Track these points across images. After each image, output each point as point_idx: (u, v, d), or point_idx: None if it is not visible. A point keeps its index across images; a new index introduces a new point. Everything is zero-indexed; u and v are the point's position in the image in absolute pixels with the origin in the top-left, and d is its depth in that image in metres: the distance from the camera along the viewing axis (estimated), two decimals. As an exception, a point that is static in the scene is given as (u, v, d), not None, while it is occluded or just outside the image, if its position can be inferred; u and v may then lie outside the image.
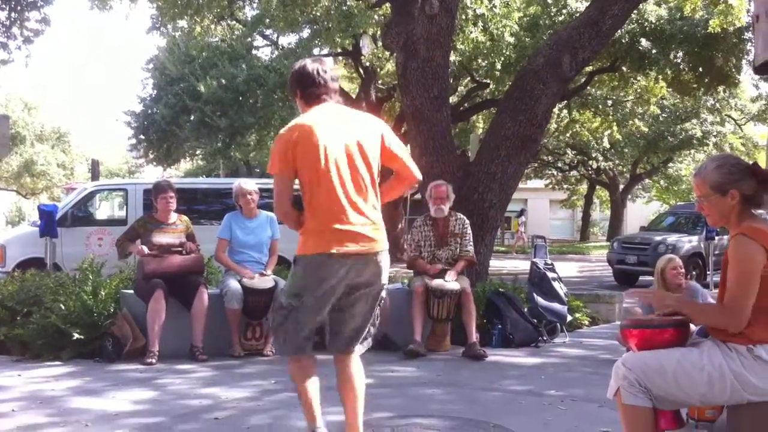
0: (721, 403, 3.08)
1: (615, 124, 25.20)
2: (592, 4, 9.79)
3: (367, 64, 21.02)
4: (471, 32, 17.33)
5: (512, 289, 8.44)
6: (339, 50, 20.20)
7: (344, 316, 3.69)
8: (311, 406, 3.74)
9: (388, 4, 13.18)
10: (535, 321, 7.75)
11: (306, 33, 18.63)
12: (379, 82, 23.07)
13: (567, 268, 18.43)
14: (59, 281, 7.32)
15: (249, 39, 21.22)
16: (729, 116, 31.74)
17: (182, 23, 17.43)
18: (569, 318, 8.25)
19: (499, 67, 18.71)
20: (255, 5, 19.70)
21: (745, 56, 17.80)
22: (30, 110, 44.38)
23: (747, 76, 22.86)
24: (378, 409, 4.69)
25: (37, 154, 42.59)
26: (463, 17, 16.51)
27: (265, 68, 22.42)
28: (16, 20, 14.75)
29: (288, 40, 21.45)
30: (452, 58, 15.47)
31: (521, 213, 32.48)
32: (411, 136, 10.14)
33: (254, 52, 24.17)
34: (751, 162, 3.19)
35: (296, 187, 3.67)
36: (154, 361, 6.35)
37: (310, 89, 3.75)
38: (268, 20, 17.20)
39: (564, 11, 18.00)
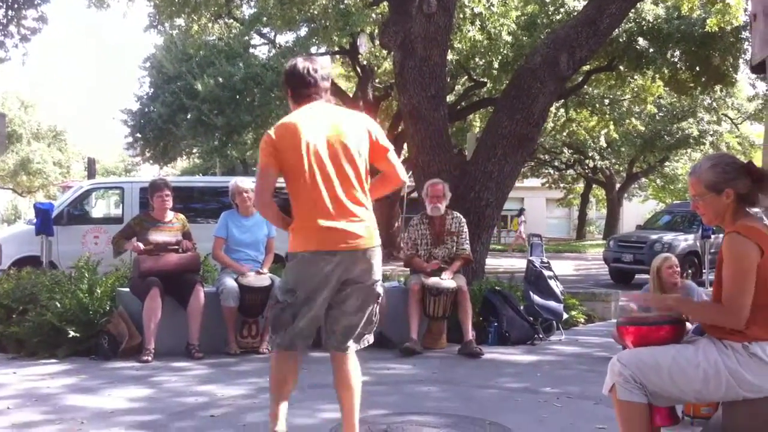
0: (716, 400, 3.10)
1: (612, 123, 25.21)
2: (590, 3, 9.80)
3: (365, 62, 21.03)
4: (468, 31, 17.33)
5: (508, 287, 8.46)
6: (336, 49, 20.20)
7: (336, 313, 3.68)
8: (279, 404, 3.72)
9: (385, 3, 13.18)
10: (531, 319, 7.76)
11: (303, 31, 18.63)
12: (377, 80, 23.09)
13: (563, 267, 18.45)
14: (55, 279, 7.32)
15: (246, 37, 21.21)
16: (726, 115, 31.76)
17: (179, 21, 17.42)
18: (565, 316, 8.27)
19: (496, 65, 18.72)
20: (252, 4, 19.71)
21: (742, 55, 17.82)
22: (26, 108, 44.33)
23: (744, 75, 22.91)
24: (374, 407, 4.69)
25: (34, 153, 42.55)
26: (461, 16, 16.51)
27: (263, 67, 22.44)
28: (13, 18, 14.71)
29: (285, 38, 21.50)
30: (449, 56, 15.49)
31: (521, 212, 32.55)
32: (408, 134, 10.15)
33: (251, 50, 24.18)
34: (746, 161, 3.20)
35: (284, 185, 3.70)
36: (150, 358, 6.35)
37: (300, 89, 3.75)
38: (265, 18, 17.20)
39: (561, 10, 18.00)
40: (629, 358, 3.06)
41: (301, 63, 3.78)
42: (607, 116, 24.66)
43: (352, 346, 3.73)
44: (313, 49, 18.94)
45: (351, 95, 23.25)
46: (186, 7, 15.38)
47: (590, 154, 34.31)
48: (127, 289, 6.85)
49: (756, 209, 3.32)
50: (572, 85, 18.84)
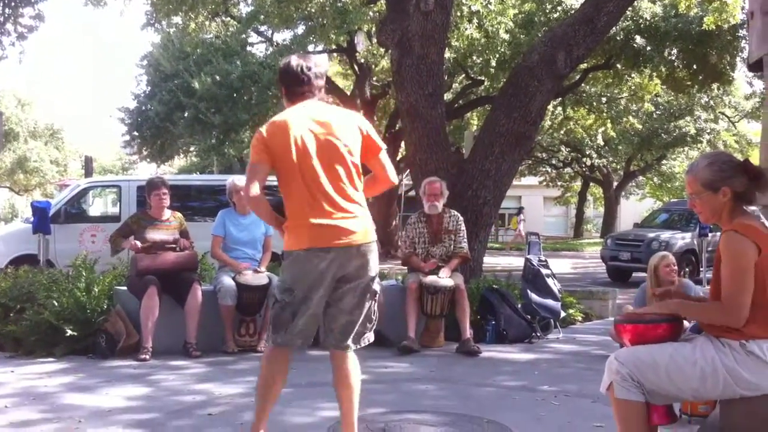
0: (714, 398, 3.10)
1: (609, 121, 25.25)
2: (587, 1, 9.80)
3: (362, 60, 21.03)
4: (466, 29, 17.34)
5: (506, 285, 8.46)
6: (334, 47, 20.21)
7: (334, 311, 3.67)
8: (266, 404, 3.72)
9: (382, 1, 13.18)
10: (529, 317, 7.77)
11: (301, 29, 18.62)
12: (374, 78, 23.08)
13: (561, 265, 18.46)
14: (52, 278, 7.30)
15: (243, 35, 21.22)
16: (723, 113, 31.83)
17: (177, 19, 17.41)
18: (563, 314, 8.27)
19: (493, 64, 18.72)
20: (249, 2, 19.72)
21: (740, 53, 17.84)
22: (23, 106, 44.27)
23: (741, 74, 22.86)
24: (372, 405, 4.69)
25: (31, 151, 42.51)
26: (458, 14, 16.51)
27: (260, 65, 22.42)
28: (9, 16, 14.70)
29: (283, 36, 21.53)
30: (447, 55, 15.48)
31: (519, 211, 32.62)
32: (406, 132, 10.15)
33: (249, 48, 24.17)
34: (743, 159, 3.20)
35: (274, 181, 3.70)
36: (147, 357, 6.34)
37: (294, 87, 3.74)
38: (262, 17, 17.21)
39: (559, 8, 18.02)
40: (627, 357, 3.06)
41: (294, 60, 3.77)
42: (604, 114, 24.69)
43: (353, 345, 3.71)
44: (311, 47, 18.95)
45: (348, 93, 23.24)
46: (183, 5, 15.38)
47: (587, 153, 34.34)
48: (125, 288, 6.85)
49: (753, 207, 3.32)
50: (569, 84, 18.86)
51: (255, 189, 3.59)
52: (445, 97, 13.11)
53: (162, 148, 28.02)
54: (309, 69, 3.74)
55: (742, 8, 15.52)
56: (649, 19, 17.69)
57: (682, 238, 16.85)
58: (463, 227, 7.36)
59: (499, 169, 9.28)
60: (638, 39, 17.68)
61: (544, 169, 40.31)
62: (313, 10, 16.25)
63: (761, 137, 4.05)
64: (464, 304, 7.00)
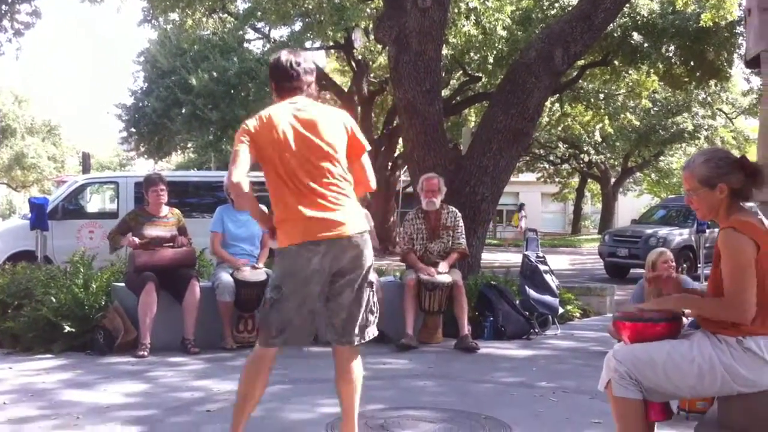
0: (712, 395, 3.10)
1: (606, 117, 25.26)
2: (585, -2, 9.79)
3: (360, 57, 21.00)
4: (463, 26, 17.33)
5: (504, 281, 8.46)
6: (331, 43, 20.17)
7: (333, 305, 3.64)
8: (245, 409, 3.60)
9: (380, -3, 13.15)
10: (527, 313, 7.78)
11: (298, 26, 18.60)
12: (371, 75, 23.06)
13: (558, 261, 18.48)
14: (50, 274, 7.30)
15: (241, 32, 21.19)
16: (720, 110, 31.83)
17: (173, 16, 17.40)
18: (561, 310, 8.28)
19: (491, 60, 18.72)
20: (246, -2, 19.66)
21: (737, 50, 17.86)
22: (20, 103, 44.14)
23: (738, 70, 22.94)
24: (371, 401, 4.69)
25: (28, 147, 42.39)
26: (456, 11, 16.50)
27: (257, 61, 22.41)
28: (6, 13, 14.67)
29: (280, 33, 21.41)
30: (444, 51, 15.47)
31: (521, 207, 32.64)
32: (403, 129, 10.14)
33: (246, 45, 24.15)
34: (739, 156, 3.20)
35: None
36: (145, 353, 6.34)
37: (283, 82, 3.72)
38: (259, 13, 17.19)
39: (556, 5, 18.02)
40: (624, 355, 3.06)
41: (284, 56, 3.76)
42: (602, 111, 24.69)
43: (358, 338, 3.67)
44: (308, 44, 18.92)
45: (346, 90, 23.23)
46: (180, 1, 15.37)
47: (585, 149, 34.34)
48: (123, 284, 6.85)
49: (750, 204, 3.32)
50: (567, 80, 18.86)
51: (237, 175, 3.46)
52: (442, 94, 13.11)
53: (159, 144, 27.99)
54: (298, 64, 3.71)
55: (740, 5, 15.53)
56: (646, 15, 17.70)
57: (679, 235, 16.85)
58: (461, 223, 7.36)
59: (496, 165, 9.28)
60: (635, 36, 17.69)
61: (541, 166, 40.30)
62: (310, 7, 16.24)
63: (759, 133, 4.06)
64: (462, 301, 7.01)
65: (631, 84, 21.51)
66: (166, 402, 4.92)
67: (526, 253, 8.42)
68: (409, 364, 6.24)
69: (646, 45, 17.82)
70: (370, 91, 22.93)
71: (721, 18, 16.12)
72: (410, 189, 16.38)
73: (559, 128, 29.05)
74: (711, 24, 16.29)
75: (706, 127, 31.22)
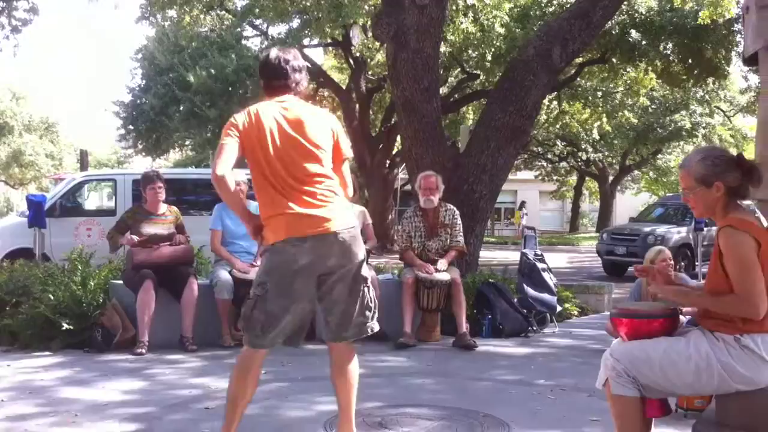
0: (709, 393, 3.10)
1: (605, 115, 25.22)
2: (583, -4, 9.79)
3: (357, 54, 20.98)
4: (461, 23, 17.31)
5: (502, 279, 8.47)
6: (329, 41, 20.15)
7: (327, 303, 3.62)
8: (237, 410, 3.56)
9: (378, -5, 13.14)
10: (525, 311, 7.78)
11: (296, 23, 18.55)
12: (369, 72, 23.04)
13: (556, 259, 18.48)
14: (48, 271, 7.30)
15: (238, 29, 21.16)
16: (718, 108, 31.82)
17: (171, 13, 17.37)
18: (559, 308, 8.28)
19: (489, 58, 18.69)
20: (244, -5, 19.62)
21: (735, 48, 17.84)
22: (18, 100, 44.09)
23: (736, 68, 22.92)
24: (369, 399, 4.70)
25: (26, 145, 42.35)
26: (454, 8, 16.48)
27: (255, 58, 22.34)
28: (4, 9, 14.63)
29: (278, 30, 21.38)
30: (442, 48, 15.45)
31: (522, 205, 32.63)
32: (401, 126, 10.14)
33: (244, 42, 24.13)
34: (736, 154, 3.20)
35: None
36: (143, 351, 6.35)
37: (272, 80, 3.72)
38: (257, 10, 17.14)
39: (555, 2, 17.99)
40: (622, 353, 3.07)
41: (274, 53, 3.76)
42: (600, 109, 24.66)
43: (352, 336, 3.66)
44: (306, 41, 18.90)
45: (344, 87, 23.21)
46: (178, -2, 15.33)
47: (583, 147, 34.31)
48: (121, 282, 6.84)
49: (747, 202, 3.32)
50: (565, 78, 18.84)
51: (221, 169, 3.44)
52: (440, 91, 13.10)
53: (157, 141, 27.96)
54: (287, 62, 3.71)
55: (737, 2, 15.51)
56: (644, 13, 17.68)
57: (677, 233, 16.86)
58: (459, 221, 7.36)
59: (495, 163, 9.29)
60: (634, 33, 17.66)
61: (539, 164, 40.29)
62: (308, 4, 16.21)
63: (756, 131, 4.05)
64: (460, 299, 7.01)
65: (629, 82, 21.48)
66: (164, 399, 4.92)
67: (524, 250, 8.42)
68: (407, 362, 6.25)
69: (644, 43, 17.79)
70: (368, 89, 22.92)
71: (719, 15, 16.09)
72: (408, 187, 16.39)
73: (557, 126, 28.99)
74: (709, 21, 16.27)
75: (704, 125, 31.21)
